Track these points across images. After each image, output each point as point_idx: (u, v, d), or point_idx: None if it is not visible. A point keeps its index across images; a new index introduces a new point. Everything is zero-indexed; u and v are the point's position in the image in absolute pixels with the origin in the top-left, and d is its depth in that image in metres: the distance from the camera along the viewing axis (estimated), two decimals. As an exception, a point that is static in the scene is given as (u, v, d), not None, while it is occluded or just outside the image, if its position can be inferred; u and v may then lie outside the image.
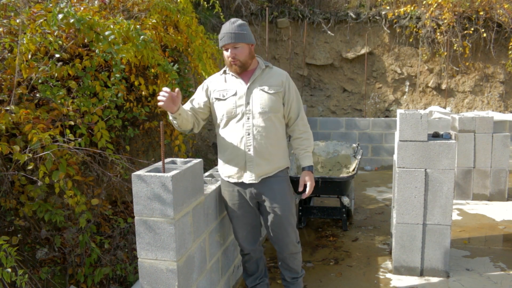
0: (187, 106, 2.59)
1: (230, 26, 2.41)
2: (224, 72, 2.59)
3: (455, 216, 4.75)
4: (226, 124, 2.53)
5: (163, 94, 2.25)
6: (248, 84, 2.50)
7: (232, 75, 2.55)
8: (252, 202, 2.61)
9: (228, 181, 2.61)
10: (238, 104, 2.49)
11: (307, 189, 2.59)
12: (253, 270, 2.86)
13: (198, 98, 2.60)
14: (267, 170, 2.53)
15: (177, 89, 2.29)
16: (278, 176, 2.58)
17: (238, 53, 2.43)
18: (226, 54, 2.46)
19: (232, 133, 2.51)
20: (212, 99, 2.56)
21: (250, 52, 2.48)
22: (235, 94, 2.50)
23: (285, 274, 2.82)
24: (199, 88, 2.63)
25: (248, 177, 2.52)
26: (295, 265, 2.78)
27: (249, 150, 2.49)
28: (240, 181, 2.56)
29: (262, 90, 2.49)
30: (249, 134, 2.48)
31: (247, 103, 2.48)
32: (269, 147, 2.50)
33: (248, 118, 2.48)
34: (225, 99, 2.51)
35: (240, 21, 2.45)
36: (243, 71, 2.50)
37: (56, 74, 2.90)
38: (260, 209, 2.67)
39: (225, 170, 2.60)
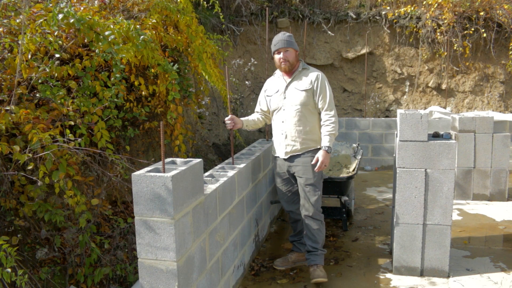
0: (257, 107, 3.54)
1: (282, 36, 3.21)
2: (274, 75, 3.42)
3: (455, 216, 4.75)
4: (272, 115, 3.39)
5: (228, 123, 3.18)
6: (287, 82, 3.27)
7: (278, 77, 3.36)
8: (288, 172, 3.36)
9: (273, 155, 3.46)
10: (279, 99, 3.29)
11: (318, 164, 3.11)
12: (294, 228, 3.62)
13: (261, 98, 3.51)
14: (295, 149, 3.25)
15: (230, 116, 3.19)
16: (304, 156, 3.24)
17: (288, 56, 3.21)
18: (278, 56, 3.23)
19: (275, 121, 3.38)
20: (266, 96, 3.44)
21: (296, 56, 3.26)
22: (277, 92, 3.32)
23: (307, 242, 3.32)
24: (262, 89, 3.51)
25: (283, 154, 3.31)
26: (314, 232, 3.28)
27: (282, 134, 3.29)
28: (277, 155, 3.39)
29: (295, 88, 3.23)
30: (283, 122, 3.27)
31: (284, 98, 3.27)
32: (297, 133, 3.22)
33: (284, 110, 3.26)
34: (271, 96, 3.36)
35: (289, 34, 3.24)
36: (291, 70, 3.26)
37: (56, 74, 2.90)
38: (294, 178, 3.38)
39: (273, 147, 3.45)
